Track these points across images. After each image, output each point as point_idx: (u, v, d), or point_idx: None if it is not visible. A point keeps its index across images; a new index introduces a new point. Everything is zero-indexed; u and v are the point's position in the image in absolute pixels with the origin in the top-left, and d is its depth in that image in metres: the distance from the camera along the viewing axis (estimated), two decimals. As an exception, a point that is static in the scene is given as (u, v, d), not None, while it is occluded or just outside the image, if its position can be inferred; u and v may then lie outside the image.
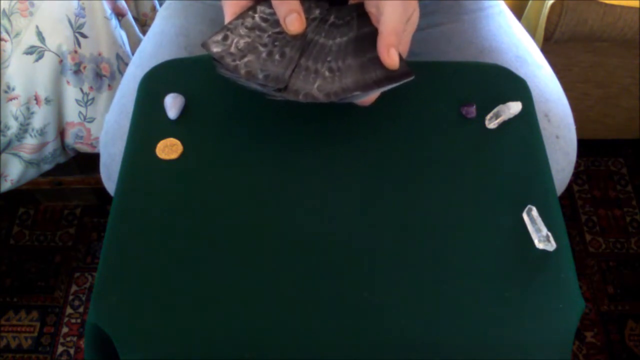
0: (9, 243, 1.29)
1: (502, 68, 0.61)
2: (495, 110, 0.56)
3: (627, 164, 1.38)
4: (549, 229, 0.50)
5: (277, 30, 0.52)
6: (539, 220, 0.50)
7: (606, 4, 0.93)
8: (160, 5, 1.03)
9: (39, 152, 0.98)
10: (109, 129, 0.69)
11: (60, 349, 1.16)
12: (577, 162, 0.80)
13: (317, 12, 0.54)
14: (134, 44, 1.05)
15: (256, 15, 0.53)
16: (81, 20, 0.92)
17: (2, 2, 0.87)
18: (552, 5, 0.95)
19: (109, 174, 0.69)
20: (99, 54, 0.96)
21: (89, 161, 1.12)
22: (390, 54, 0.49)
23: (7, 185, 1.00)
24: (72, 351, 1.16)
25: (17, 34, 0.87)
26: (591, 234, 1.29)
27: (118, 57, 0.99)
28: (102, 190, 0.84)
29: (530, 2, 1.07)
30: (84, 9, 0.92)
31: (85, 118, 0.98)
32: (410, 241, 0.50)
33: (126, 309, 0.47)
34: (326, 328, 0.46)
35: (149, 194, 0.53)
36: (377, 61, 0.50)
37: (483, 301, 0.47)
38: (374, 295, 0.48)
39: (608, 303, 1.20)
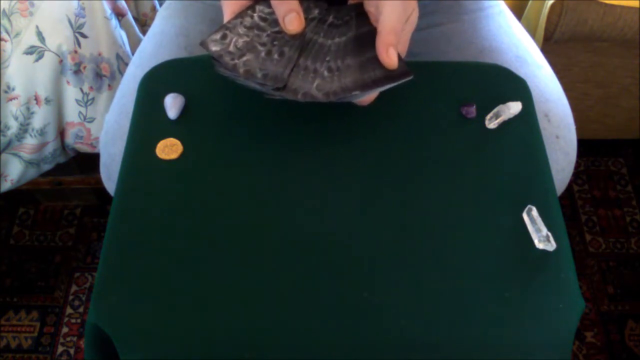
0: (9, 243, 1.29)
1: (502, 68, 0.61)
2: (495, 110, 0.56)
3: (627, 164, 1.38)
4: (549, 229, 0.50)
5: (276, 29, 0.52)
6: (539, 220, 0.50)
7: (606, 4, 0.92)
8: (160, 5, 1.03)
9: (39, 152, 0.98)
10: (109, 129, 0.69)
11: (60, 349, 1.16)
12: (577, 162, 0.80)
13: (316, 11, 0.54)
14: (134, 44, 1.05)
15: (255, 15, 0.53)
16: (81, 20, 0.92)
17: (2, 2, 0.87)
18: (552, 5, 0.95)
19: (109, 174, 0.69)
20: (99, 54, 0.96)
21: (89, 161, 1.12)
22: (389, 54, 0.49)
23: (7, 185, 1.00)
24: (72, 351, 1.16)
25: (17, 34, 0.87)
26: (591, 234, 1.29)
27: (118, 57, 0.99)
28: (102, 190, 0.84)
29: (530, 2, 1.07)
30: (84, 9, 0.92)
31: (85, 118, 0.98)
32: (410, 241, 0.50)
33: (126, 309, 0.47)
34: (326, 328, 0.46)
35: (149, 194, 0.53)
36: (376, 61, 0.50)
37: (483, 301, 0.47)
38: (374, 295, 0.48)
39: (608, 303, 1.20)
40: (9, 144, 0.95)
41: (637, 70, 1.09)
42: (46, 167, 1.02)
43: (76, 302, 1.22)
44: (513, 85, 0.59)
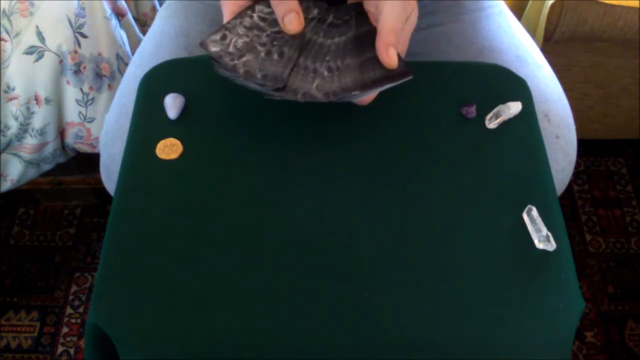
0: (9, 243, 1.29)
1: (502, 68, 0.61)
2: (495, 110, 0.56)
3: (627, 164, 1.38)
4: (549, 229, 0.50)
5: (275, 29, 0.52)
6: (539, 220, 0.50)
7: (606, 4, 0.92)
8: (160, 5, 1.03)
9: (39, 152, 0.98)
10: (109, 129, 0.69)
11: (60, 349, 1.16)
12: (577, 162, 0.80)
13: (315, 11, 0.54)
14: (134, 44, 1.05)
15: (255, 15, 0.53)
16: (81, 20, 0.92)
17: (2, 2, 0.87)
18: (552, 5, 0.95)
19: (109, 174, 0.69)
20: (99, 54, 0.96)
21: (89, 161, 1.12)
22: (389, 53, 0.49)
23: (7, 185, 1.00)
24: (72, 351, 1.16)
25: (17, 34, 0.87)
26: (591, 234, 1.29)
27: (118, 57, 0.99)
28: (102, 190, 0.84)
29: (530, 2, 1.07)
30: (84, 9, 0.92)
31: (85, 118, 0.98)
32: (410, 241, 0.50)
33: (126, 309, 0.47)
34: (326, 328, 0.46)
35: (149, 194, 0.53)
36: (375, 60, 0.50)
37: (483, 301, 0.47)
38: (374, 295, 0.48)
39: (608, 303, 1.20)
40: (9, 144, 0.95)
41: (637, 70, 1.09)
42: (46, 167, 1.03)
43: (76, 302, 1.22)
44: (513, 85, 0.59)
